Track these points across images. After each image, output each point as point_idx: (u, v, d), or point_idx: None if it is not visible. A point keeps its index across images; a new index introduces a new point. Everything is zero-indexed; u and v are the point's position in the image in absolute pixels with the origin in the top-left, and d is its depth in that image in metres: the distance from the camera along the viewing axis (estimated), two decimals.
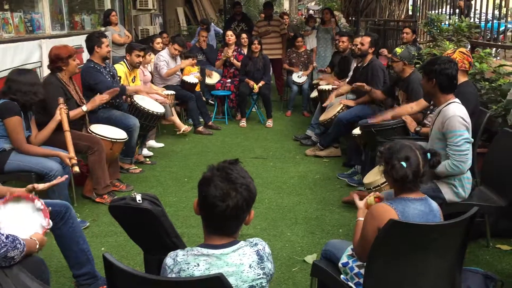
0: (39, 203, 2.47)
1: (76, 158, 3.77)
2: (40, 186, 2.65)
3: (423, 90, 3.32)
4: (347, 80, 6.23)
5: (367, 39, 5.43)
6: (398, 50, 4.61)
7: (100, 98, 4.48)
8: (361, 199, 2.47)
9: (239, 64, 7.62)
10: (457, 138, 2.97)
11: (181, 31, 13.01)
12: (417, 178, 2.12)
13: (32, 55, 5.15)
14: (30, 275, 2.12)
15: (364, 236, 2.16)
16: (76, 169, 3.73)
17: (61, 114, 3.84)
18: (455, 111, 3.02)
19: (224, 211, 1.61)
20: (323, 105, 6.00)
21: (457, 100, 3.13)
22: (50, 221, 2.47)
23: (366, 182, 3.99)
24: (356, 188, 4.77)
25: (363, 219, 2.38)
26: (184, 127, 6.53)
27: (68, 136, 3.81)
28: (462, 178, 3.14)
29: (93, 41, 4.87)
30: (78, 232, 2.87)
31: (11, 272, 2.08)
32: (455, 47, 5.07)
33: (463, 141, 2.97)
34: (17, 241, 2.11)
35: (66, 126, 3.84)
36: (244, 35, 7.91)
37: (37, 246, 2.30)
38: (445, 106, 3.10)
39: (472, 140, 3.05)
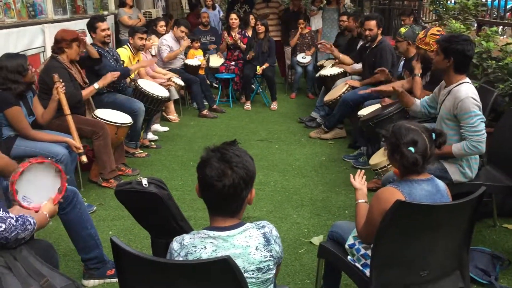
0: (58, 168, 2.51)
1: (82, 148, 3.79)
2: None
3: (434, 66, 3.24)
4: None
5: (372, 23, 5.35)
6: (403, 29, 4.57)
7: (112, 75, 4.52)
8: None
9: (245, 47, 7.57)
10: (472, 118, 2.93)
11: (183, 14, 12.91)
12: (425, 161, 2.10)
13: (35, 40, 5.12)
14: (40, 259, 2.14)
15: (370, 219, 2.15)
16: (84, 158, 3.78)
17: (58, 93, 3.81)
18: (468, 92, 2.97)
19: (222, 190, 1.62)
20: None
21: (468, 80, 3.08)
22: (64, 188, 2.50)
23: (372, 163, 3.98)
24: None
25: (363, 201, 2.37)
26: (173, 116, 6.60)
27: (70, 120, 3.82)
28: (469, 158, 3.12)
29: (88, 28, 4.93)
30: (85, 216, 2.88)
31: (21, 256, 2.10)
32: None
33: (479, 121, 2.93)
34: (27, 223, 2.12)
35: (66, 109, 3.84)
36: (252, 16, 7.84)
37: (48, 220, 2.32)
38: (456, 86, 3.05)
39: (485, 119, 3.00)
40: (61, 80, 3.85)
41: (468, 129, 2.95)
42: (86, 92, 4.29)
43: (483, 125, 2.95)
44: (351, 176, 2.53)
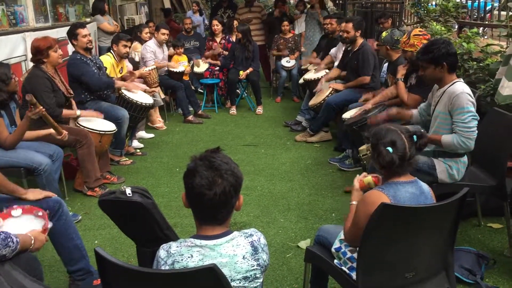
0: (40, 211, 2.47)
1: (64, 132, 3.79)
2: None
3: (429, 80, 3.20)
4: (336, 64, 6.22)
5: (349, 25, 5.42)
6: (384, 34, 4.63)
7: (98, 115, 4.52)
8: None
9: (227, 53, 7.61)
10: (464, 115, 2.96)
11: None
12: (404, 162, 2.12)
13: (17, 48, 5.07)
14: (23, 272, 2.10)
15: (356, 223, 2.16)
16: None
17: (46, 116, 3.67)
18: (463, 88, 3.01)
19: (212, 199, 1.60)
20: (313, 91, 5.97)
21: (461, 79, 3.12)
22: (50, 222, 2.46)
23: (361, 149, 3.97)
24: (347, 172, 4.80)
25: (356, 202, 2.37)
26: (159, 124, 6.60)
27: (57, 127, 3.82)
28: (459, 161, 3.16)
29: (69, 35, 4.86)
30: (71, 227, 2.84)
31: (3, 269, 2.06)
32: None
33: (470, 118, 2.96)
34: (9, 239, 2.08)
35: (54, 123, 3.81)
36: (236, 22, 7.89)
37: (32, 242, 2.26)
38: (450, 85, 3.08)
39: (478, 118, 3.02)
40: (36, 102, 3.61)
41: (459, 124, 2.98)
42: (66, 113, 4.26)
43: (475, 123, 2.98)
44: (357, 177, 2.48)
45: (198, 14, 10.17)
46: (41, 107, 3.52)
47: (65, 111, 4.24)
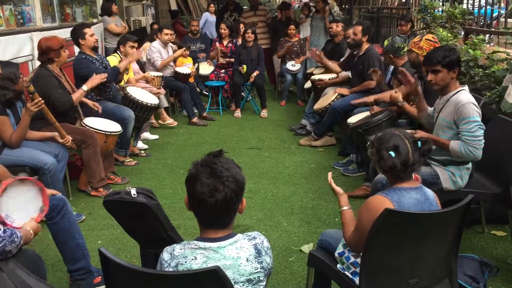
0: (41, 186, 2.49)
1: (68, 139, 3.85)
2: None
3: (436, 86, 3.16)
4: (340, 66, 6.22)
5: (358, 28, 5.42)
6: (386, 42, 4.64)
7: (100, 77, 4.51)
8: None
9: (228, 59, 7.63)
10: (471, 124, 2.96)
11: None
12: (408, 167, 2.11)
13: (24, 48, 5.10)
14: (27, 271, 2.12)
15: (359, 228, 2.15)
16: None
17: (44, 109, 3.72)
18: (469, 98, 3.02)
19: (214, 206, 1.61)
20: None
21: (465, 87, 3.12)
22: (47, 207, 2.49)
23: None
24: (351, 177, 4.80)
25: (347, 208, 2.37)
26: (169, 120, 6.62)
27: (58, 126, 3.83)
28: (462, 168, 3.15)
29: (75, 34, 4.85)
30: (74, 226, 2.86)
31: (7, 267, 2.08)
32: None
33: (477, 127, 2.97)
34: (14, 235, 2.11)
35: (51, 118, 3.81)
36: (242, 25, 7.90)
37: (32, 236, 2.29)
38: (455, 93, 3.08)
39: (484, 127, 3.02)
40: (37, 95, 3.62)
41: (466, 134, 2.98)
42: (76, 96, 4.28)
43: (481, 132, 2.99)
44: (330, 179, 2.52)
45: (214, 14, 10.20)
46: (40, 98, 3.54)
47: (74, 95, 4.28)
